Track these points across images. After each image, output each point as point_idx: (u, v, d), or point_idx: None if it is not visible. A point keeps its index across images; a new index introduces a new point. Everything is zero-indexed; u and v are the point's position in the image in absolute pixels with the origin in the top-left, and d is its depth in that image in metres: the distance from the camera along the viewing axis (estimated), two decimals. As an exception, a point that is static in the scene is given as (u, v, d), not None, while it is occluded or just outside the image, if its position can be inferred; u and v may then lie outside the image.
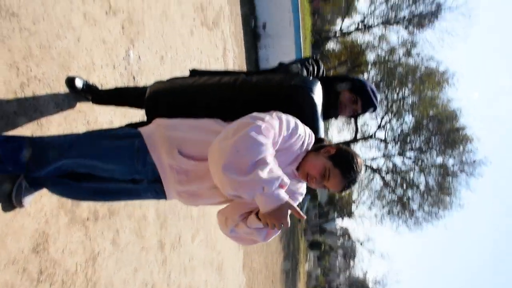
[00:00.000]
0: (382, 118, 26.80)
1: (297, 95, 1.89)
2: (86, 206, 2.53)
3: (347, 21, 30.41)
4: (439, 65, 24.34)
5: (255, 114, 1.56)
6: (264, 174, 1.39)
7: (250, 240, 1.79)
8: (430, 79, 23.43)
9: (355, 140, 28.37)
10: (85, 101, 2.60)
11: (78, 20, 2.63)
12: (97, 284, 2.58)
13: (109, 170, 1.69)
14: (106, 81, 2.89)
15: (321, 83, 2.09)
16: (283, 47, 11.56)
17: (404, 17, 25.22)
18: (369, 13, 27.55)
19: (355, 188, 30.58)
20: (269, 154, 1.45)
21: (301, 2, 12.55)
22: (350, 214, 34.43)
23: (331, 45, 33.82)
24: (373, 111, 2.29)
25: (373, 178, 26.72)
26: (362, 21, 27.45)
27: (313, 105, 1.89)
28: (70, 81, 2.44)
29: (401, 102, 25.61)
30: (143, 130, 1.75)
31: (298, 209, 1.52)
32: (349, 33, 27.91)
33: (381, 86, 26.25)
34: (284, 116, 1.60)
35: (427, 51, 36.27)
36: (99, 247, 2.65)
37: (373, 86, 2.28)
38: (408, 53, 25.47)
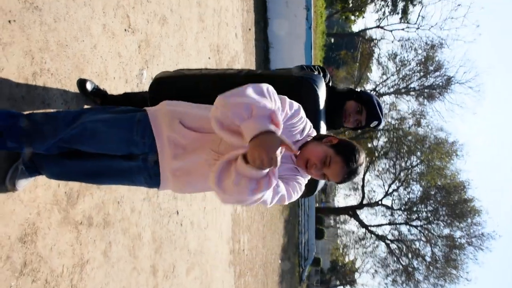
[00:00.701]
0: (390, 185, 26.67)
1: (301, 86, 1.89)
2: (81, 209, 2.47)
3: (358, 89, 31.13)
4: (449, 136, 24.55)
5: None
6: (256, 97, 1.40)
7: (236, 194, 1.47)
8: (439, 149, 23.50)
9: (361, 205, 28.05)
10: (93, 105, 2.62)
11: (97, 29, 2.72)
12: (82, 293, 2.46)
13: (107, 141, 1.68)
14: (117, 92, 2.93)
15: (328, 91, 2.10)
16: (294, 103, 11.74)
17: (415, 88, 25.79)
18: (380, 82, 28.23)
19: (359, 254, 29.77)
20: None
21: (315, 62, 12.96)
22: (352, 282, 33.17)
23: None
24: (378, 125, 2.28)
25: (377, 246, 26.04)
26: (374, 89, 28.07)
27: (316, 98, 1.89)
28: (81, 83, 2.49)
29: (409, 171, 25.56)
30: (148, 108, 1.76)
31: (290, 143, 1.45)
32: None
33: (390, 154, 26.37)
34: (287, 98, 1.61)
35: (437, 122, 36.70)
36: (89, 255, 2.55)
37: (379, 100, 2.28)
38: (418, 123, 25.78)
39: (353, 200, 31.34)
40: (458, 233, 23.44)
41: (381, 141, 28.02)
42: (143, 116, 1.71)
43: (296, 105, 1.65)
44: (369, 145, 29.40)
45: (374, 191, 28.64)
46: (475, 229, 22.93)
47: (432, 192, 24.04)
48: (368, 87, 28.72)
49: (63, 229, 2.30)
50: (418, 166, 25.32)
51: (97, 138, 1.71)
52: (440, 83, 24.59)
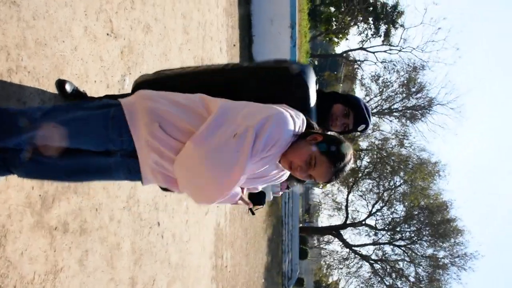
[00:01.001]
0: (373, 205, 26.77)
1: (290, 76, 1.86)
2: (56, 214, 2.37)
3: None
4: (431, 156, 24.83)
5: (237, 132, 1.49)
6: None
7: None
8: (422, 169, 23.74)
9: (345, 225, 28.02)
10: (73, 107, 2.55)
11: (78, 31, 2.67)
12: (54, 303, 2.33)
13: (80, 139, 1.60)
14: (98, 95, 2.86)
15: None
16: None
17: (397, 109, 26.12)
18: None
19: (343, 275, 29.56)
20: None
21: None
22: (336, 304, 32.80)
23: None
24: (365, 128, 2.25)
25: (361, 266, 25.94)
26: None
27: (306, 88, 1.86)
28: (60, 84, 2.42)
29: (393, 191, 25.72)
30: (123, 100, 1.67)
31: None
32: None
33: (373, 174, 26.51)
34: (269, 127, 1.50)
35: (420, 142, 37.09)
36: (63, 262, 2.43)
37: (367, 104, 2.27)
38: (400, 144, 26.06)
39: (337, 220, 31.27)
40: (441, 253, 23.56)
41: (364, 161, 28.20)
42: (117, 112, 1.61)
43: (279, 130, 1.54)
44: (353, 165, 29.50)
45: (357, 211, 28.68)
46: (458, 249, 23.09)
47: (416, 212, 24.20)
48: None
49: (35, 234, 2.19)
50: (402, 186, 25.51)
51: (69, 137, 1.63)
52: (422, 104, 25.00)
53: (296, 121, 1.62)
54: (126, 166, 1.67)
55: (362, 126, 2.23)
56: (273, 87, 1.81)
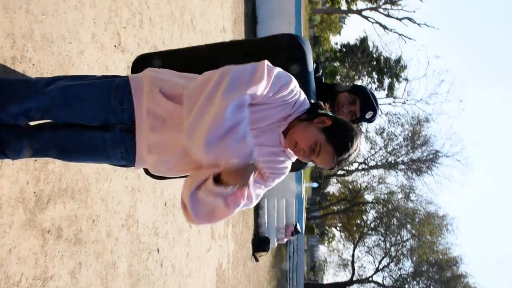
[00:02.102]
0: (380, 261, 26.01)
1: (288, 46, 1.83)
2: (50, 216, 2.24)
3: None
4: (438, 209, 24.39)
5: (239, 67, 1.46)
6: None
7: (210, 208, 1.50)
8: (429, 223, 23.25)
9: (351, 282, 27.08)
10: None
11: (86, 36, 2.67)
12: (41, 313, 2.14)
13: (81, 107, 1.53)
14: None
15: (319, 86, 2.04)
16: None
17: (403, 161, 25.99)
18: (369, 156, 28.41)
19: None
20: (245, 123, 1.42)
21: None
22: None
23: (332, 188, 34.53)
24: (373, 116, 2.18)
25: (369, 325, 24.76)
26: (363, 162, 28.22)
27: (304, 58, 1.82)
28: (64, 83, 2.38)
29: (400, 246, 25.08)
30: (130, 75, 1.65)
31: (263, 171, 1.48)
32: (349, 172, 28.48)
33: (380, 229, 25.97)
34: (275, 70, 1.48)
35: (426, 195, 36.53)
36: (54, 270, 2.27)
37: (373, 92, 2.22)
38: (407, 197, 25.69)
39: (343, 277, 30.22)
40: (452, 312, 22.49)
41: (370, 215, 27.74)
42: (122, 81, 1.58)
43: (287, 76, 1.53)
44: (358, 220, 29.03)
45: (364, 267, 27.82)
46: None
47: (424, 268, 23.43)
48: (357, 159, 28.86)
49: (27, 233, 2.05)
50: (409, 241, 24.90)
51: (70, 104, 1.56)
52: (428, 157, 24.89)
53: (301, 91, 1.57)
54: (124, 143, 1.59)
55: (370, 113, 2.16)
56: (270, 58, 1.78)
